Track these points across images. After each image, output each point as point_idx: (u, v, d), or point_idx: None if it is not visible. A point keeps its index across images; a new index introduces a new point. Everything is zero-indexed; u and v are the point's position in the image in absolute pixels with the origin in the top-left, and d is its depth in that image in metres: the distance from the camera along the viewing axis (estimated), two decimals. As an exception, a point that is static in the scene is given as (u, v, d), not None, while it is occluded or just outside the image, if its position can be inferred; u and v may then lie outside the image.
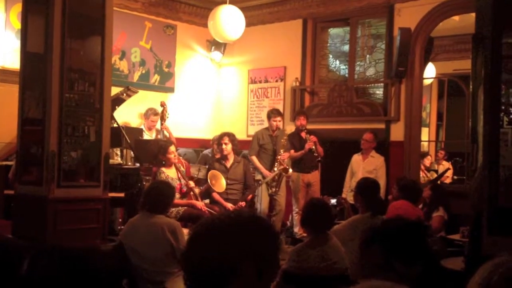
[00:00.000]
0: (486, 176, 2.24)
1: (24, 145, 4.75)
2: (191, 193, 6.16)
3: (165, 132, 7.71)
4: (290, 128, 7.68)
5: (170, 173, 6.12)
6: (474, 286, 1.08)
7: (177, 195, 5.73)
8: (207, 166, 7.07)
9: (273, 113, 7.30)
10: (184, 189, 6.17)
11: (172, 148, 6.18)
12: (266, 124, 7.61)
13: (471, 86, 2.32)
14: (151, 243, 3.87)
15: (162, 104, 7.67)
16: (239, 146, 6.95)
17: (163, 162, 6.15)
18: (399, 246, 1.72)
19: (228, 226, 1.44)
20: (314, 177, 7.33)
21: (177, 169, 6.17)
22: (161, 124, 7.66)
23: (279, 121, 7.28)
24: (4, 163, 6.11)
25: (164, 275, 3.81)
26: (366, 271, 1.77)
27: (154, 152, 6.27)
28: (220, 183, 6.48)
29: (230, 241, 1.40)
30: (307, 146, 7.03)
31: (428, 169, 9.16)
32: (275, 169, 6.93)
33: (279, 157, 6.98)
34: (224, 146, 6.62)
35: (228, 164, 6.69)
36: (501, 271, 1.08)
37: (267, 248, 1.44)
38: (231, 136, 6.71)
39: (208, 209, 6.00)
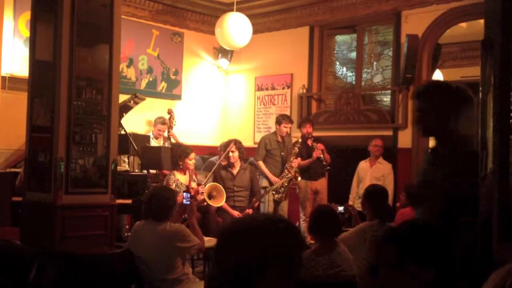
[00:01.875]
0: (495, 182, 2.23)
1: (32, 152, 4.77)
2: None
3: (172, 140, 7.74)
4: (296, 135, 7.67)
5: (180, 178, 6.14)
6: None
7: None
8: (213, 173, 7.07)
9: (284, 119, 7.29)
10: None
11: (193, 155, 6.23)
12: (272, 131, 7.61)
13: (480, 92, 2.31)
14: (159, 253, 3.85)
15: (169, 112, 7.72)
16: (245, 153, 6.95)
17: (180, 166, 6.17)
18: (414, 247, 1.71)
19: (256, 228, 1.46)
20: (322, 184, 7.32)
21: (190, 177, 6.18)
22: (168, 132, 7.69)
23: (290, 127, 7.29)
24: (13, 170, 6.14)
25: (172, 282, 3.80)
26: (381, 271, 1.75)
27: (175, 154, 6.27)
28: (221, 197, 6.36)
29: (259, 243, 1.43)
30: (315, 154, 7.03)
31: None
32: (286, 175, 6.94)
33: (287, 165, 6.99)
34: (231, 154, 6.61)
35: (235, 171, 6.69)
36: None
37: (293, 248, 1.47)
38: (238, 143, 6.71)
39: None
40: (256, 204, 6.81)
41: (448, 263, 1.71)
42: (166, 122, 7.71)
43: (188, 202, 4.39)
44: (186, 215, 4.38)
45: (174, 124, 7.76)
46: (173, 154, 6.33)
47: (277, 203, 7.08)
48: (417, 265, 1.68)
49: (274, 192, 7.04)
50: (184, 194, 4.58)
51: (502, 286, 1.06)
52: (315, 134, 7.34)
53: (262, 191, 6.87)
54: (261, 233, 1.44)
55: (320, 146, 7.09)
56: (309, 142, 7.16)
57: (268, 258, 1.41)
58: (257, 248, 1.42)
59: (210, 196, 6.30)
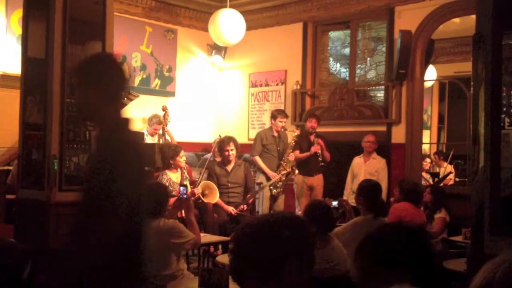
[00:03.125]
0: (487, 177, 2.24)
1: (25, 149, 4.76)
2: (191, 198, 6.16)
3: (167, 136, 7.74)
4: (292, 129, 7.65)
5: (172, 177, 6.16)
6: (477, 284, 1.08)
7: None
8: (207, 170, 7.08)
9: (279, 114, 7.30)
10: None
11: (183, 152, 6.27)
12: (266, 128, 7.61)
13: (471, 87, 2.32)
14: (153, 250, 3.84)
15: (164, 109, 7.71)
16: (240, 149, 6.97)
17: (172, 165, 6.21)
18: (382, 248, 1.75)
19: (272, 226, 1.54)
20: (318, 180, 7.31)
21: (182, 174, 6.20)
22: (163, 128, 7.68)
23: (285, 122, 7.30)
24: (6, 167, 6.13)
25: (167, 278, 3.80)
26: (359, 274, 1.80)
27: (166, 155, 6.29)
28: (214, 195, 6.42)
29: (276, 240, 1.51)
30: (313, 149, 7.05)
31: (429, 172, 9.16)
32: (283, 170, 6.96)
33: (283, 161, 7.01)
34: (230, 152, 6.63)
35: (229, 168, 6.69)
36: (504, 267, 1.08)
37: (307, 244, 1.56)
38: (235, 141, 6.72)
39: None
40: (251, 201, 6.82)
41: (420, 263, 1.73)
42: (162, 122, 7.72)
43: (185, 196, 4.38)
44: (183, 211, 4.38)
45: (169, 121, 7.76)
46: (163, 155, 6.34)
47: (273, 198, 7.09)
48: (385, 267, 1.71)
49: (271, 187, 7.05)
50: (181, 188, 4.57)
51: (492, 277, 1.07)
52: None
53: (257, 187, 6.88)
54: (280, 231, 1.52)
55: (320, 142, 7.11)
56: (311, 137, 7.17)
57: (285, 254, 1.49)
58: (276, 245, 1.50)
59: (203, 194, 6.33)
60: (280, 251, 1.49)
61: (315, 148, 7.05)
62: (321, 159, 7.09)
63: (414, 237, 1.79)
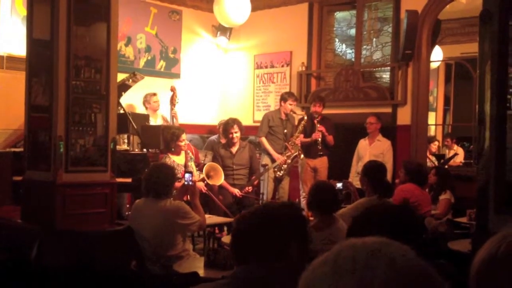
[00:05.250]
0: (492, 156, 2.24)
1: (31, 131, 4.78)
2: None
3: (174, 120, 7.69)
4: (300, 113, 7.63)
5: (176, 159, 6.14)
6: (480, 260, 1.08)
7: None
8: (212, 152, 7.08)
9: (290, 96, 7.24)
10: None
11: (184, 135, 6.20)
12: (272, 109, 7.59)
13: (478, 66, 2.30)
14: (160, 230, 3.88)
15: (172, 89, 7.58)
16: (244, 131, 6.96)
17: (173, 149, 6.15)
18: (365, 227, 1.78)
19: (273, 214, 1.66)
20: (321, 162, 7.29)
21: (186, 155, 6.17)
22: (171, 109, 7.58)
23: (295, 105, 7.26)
24: (13, 149, 6.15)
25: (173, 258, 3.84)
26: None
27: (166, 138, 6.25)
28: (219, 176, 6.40)
29: (278, 226, 1.62)
30: (313, 136, 7.02)
31: (435, 155, 9.14)
32: (288, 153, 6.96)
33: (290, 142, 6.99)
34: (234, 135, 6.62)
35: (234, 150, 6.70)
36: (507, 242, 1.08)
37: (304, 227, 1.68)
38: (239, 123, 6.71)
39: (208, 191, 6.06)
40: (256, 182, 6.84)
41: (415, 238, 1.75)
42: (156, 93, 7.71)
43: (190, 183, 4.39)
44: (188, 196, 4.39)
45: (177, 102, 7.62)
46: (164, 138, 6.31)
47: (277, 181, 7.10)
48: None
49: (276, 170, 7.05)
50: (186, 175, 4.59)
51: (495, 252, 1.08)
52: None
53: (262, 169, 6.89)
54: (282, 216, 1.65)
55: (322, 128, 7.04)
56: (315, 121, 7.13)
57: (287, 239, 1.60)
58: (278, 232, 1.61)
59: (208, 176, 6.33)
60: (282, 237, 1.60)
61: (316, 136, 7.02)
62: (320, 147, 7.04)
63: (403, 212, 1.83)
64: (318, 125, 7.05)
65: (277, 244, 1.59)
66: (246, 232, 1.66)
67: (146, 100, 7.75)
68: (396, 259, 0.77)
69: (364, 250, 0.78)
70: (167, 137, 6.23)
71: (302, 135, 7.12)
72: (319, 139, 7.02)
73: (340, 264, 0.78)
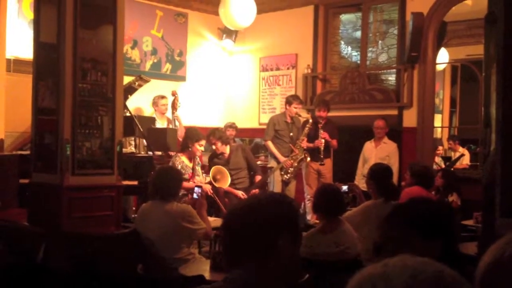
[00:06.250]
0: (499, 159, 2.23)
1: (38, 134, 4.80)
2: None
3: (177, 123, 7.72)
4: (305, 116, 7.62)
5: (185, 160, 6.10)
6: (486, 263, 1.08)
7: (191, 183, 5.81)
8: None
9: (295, 99, 7.22)
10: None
11: (204, 142, 6.16)
12: (278, 112, 7.58)
13: (483, 69, 2.30)
14: (166, 232, 3.88)
15: (173, 94, 7.69)
16: (249, 134, 6.92)
17: (189, 149, 6.09)
18: (420, 219, 1.76)
19: (261, 206, 1.62)
20: (324, 166, 7.27)
21: (194, 159, 6.15)
22: (173, 113, 7.66)
23: (300, 108, 7.25)
24: (19, 152, 6.18)
25: (179, 261, 3.84)
26: (384, 247, 1.80)
27: (188, 136, 6.18)
28: (225, 179, 6.37)
29: (266, 219, 1.59)
30: (316, 143, 7.00)
31: (442, 157, 9.10)
32: (295, 156, 6.94)
33: (296, 145, 6.96)
34: (214, 147, 6.59)
35: (226, 155, 6.63)
36: None
37: (293, 216, 1.65)
38: (216, 134, 6.64)
39: (214, 195, 6.05)
40: (258, 180, 6.74)
41: (452, 234, 1.74)
42: (165, 96, 7.71)
43: (198, 196, 4.40)
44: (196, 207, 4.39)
45: (179, 106, 7.73)
46: (186, 135, 6.25)
47: (284, 183, 7.08)
48: (423, 237, 1.71)
49: (282, 173, 7.03)
50: (196, 189, 4.58)
51: (501, 256, 1.07)
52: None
53: (269, 172, 6.86)
54: (274, 206, 1.62)
55: (325, 136, 7.01)
56: (319, 126, 7.10)
57: (278, 230, 1.57)
58: (267, 224, 1.58)
59: (215, 179, 6.33)
60: (272, 228, 1.57)
61: (318, 143, 6.98)
62: (322, 156, 7.01)
63: (446, 209, 1.82)
64: (321, 132, 7.01)
65: (266, 239, 1.56)
66: (233, 231, 1.63)
67: (155, 103, 7.77)
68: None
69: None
70: (191, 134, 6.16)
71: (306, 139, 7.10)
72: (321, 147, 6.98)
73: None
